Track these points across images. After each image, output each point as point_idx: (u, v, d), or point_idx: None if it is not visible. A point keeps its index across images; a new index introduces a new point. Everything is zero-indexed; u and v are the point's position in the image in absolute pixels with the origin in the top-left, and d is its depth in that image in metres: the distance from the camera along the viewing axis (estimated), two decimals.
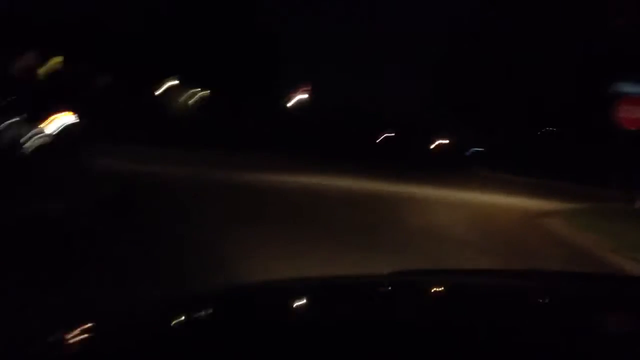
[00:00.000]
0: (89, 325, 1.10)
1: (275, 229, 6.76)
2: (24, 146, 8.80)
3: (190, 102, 32.70)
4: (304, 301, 1.36)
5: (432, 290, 1.54)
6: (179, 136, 20.50)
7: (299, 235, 6.44)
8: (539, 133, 30.54)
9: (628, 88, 11.96)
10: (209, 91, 33.50)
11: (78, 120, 9.92)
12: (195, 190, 9.83)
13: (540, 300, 1.46)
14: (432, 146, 49.05)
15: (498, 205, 13.25)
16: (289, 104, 39.32)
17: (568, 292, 1.51)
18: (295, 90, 40.75)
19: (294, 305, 1.33)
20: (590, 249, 8.02)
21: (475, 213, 11.27)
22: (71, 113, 9.84)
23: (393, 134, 47.97)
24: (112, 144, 13.13)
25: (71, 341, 1.04)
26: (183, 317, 1.17)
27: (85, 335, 1.07)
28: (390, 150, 36.79)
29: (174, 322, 1.16)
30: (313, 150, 23.72)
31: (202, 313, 1.22)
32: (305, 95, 41.31)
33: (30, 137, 8.92)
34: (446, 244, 7.14)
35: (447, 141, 48.83)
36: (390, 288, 1.49)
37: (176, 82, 31.04)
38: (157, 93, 30.07)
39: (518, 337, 1.06)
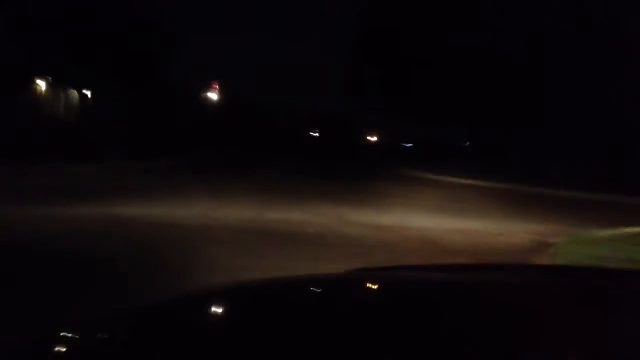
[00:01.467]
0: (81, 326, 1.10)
1: None
2: None
3: (67, 106, 27.26)
4: (264, 301, 1.32)
5: (391, 287, 1.50)
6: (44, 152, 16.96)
7: None
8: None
9: None
10: (90, 92, 28.06)
11: None
12: None
13: (497, 292, 1.41)
14: (363, 143, 45.15)
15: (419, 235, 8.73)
16: (201, 103, 34.32)
17: (534, 285, 1.49)
18: (203, 89, 35.71)
19: (255, 306, 1.28)
20: None
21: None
22: None
23: (317, 134, 44.17)
24: None
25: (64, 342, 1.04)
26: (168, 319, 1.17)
27: (79, 336, 1.06)
28: (317, 153, 32.72)
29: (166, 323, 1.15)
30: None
31: (179, 316, 1.21)
32: (215, 95, 36.26)
33: None
34: None
35: (375, 138, 45.08)
36: (349, 285, 1.49)
37: (44, 83, 25.50)
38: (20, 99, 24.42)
39: (481, 331, 1.06)
